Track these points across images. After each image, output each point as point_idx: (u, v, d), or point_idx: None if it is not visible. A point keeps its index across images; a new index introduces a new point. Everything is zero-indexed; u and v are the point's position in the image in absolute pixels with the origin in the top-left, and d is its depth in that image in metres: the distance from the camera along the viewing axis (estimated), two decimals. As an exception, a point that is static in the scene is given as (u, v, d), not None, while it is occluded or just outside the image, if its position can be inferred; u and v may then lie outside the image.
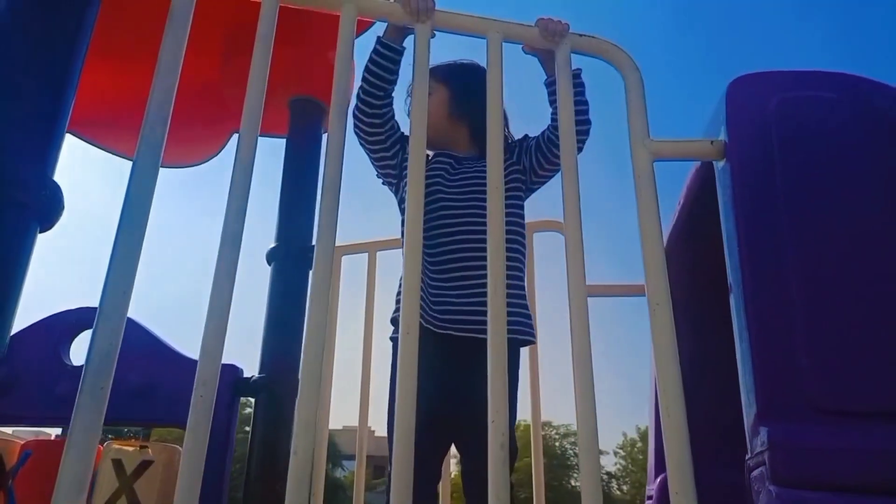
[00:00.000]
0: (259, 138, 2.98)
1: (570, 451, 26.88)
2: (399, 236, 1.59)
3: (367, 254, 2.52)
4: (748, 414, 1.06)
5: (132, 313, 2.25)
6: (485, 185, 1.16)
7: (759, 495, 1.01)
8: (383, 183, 1.66)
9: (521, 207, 1.62)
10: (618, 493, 27.20)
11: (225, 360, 2.22)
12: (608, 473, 27.60)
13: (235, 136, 3.12)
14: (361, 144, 1.58)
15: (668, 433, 1.01)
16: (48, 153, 1.00)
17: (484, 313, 1.07)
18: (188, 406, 2.42)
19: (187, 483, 0.92)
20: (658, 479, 1.76)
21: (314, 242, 1.13)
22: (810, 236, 1.11)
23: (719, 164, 1.24)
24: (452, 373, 1.40)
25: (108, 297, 0.95)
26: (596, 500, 0.98)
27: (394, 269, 2.40)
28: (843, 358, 1.03)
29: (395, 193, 1.63)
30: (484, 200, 1.15)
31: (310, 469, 0.97)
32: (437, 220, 1.51)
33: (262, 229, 2.55)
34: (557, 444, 26.44)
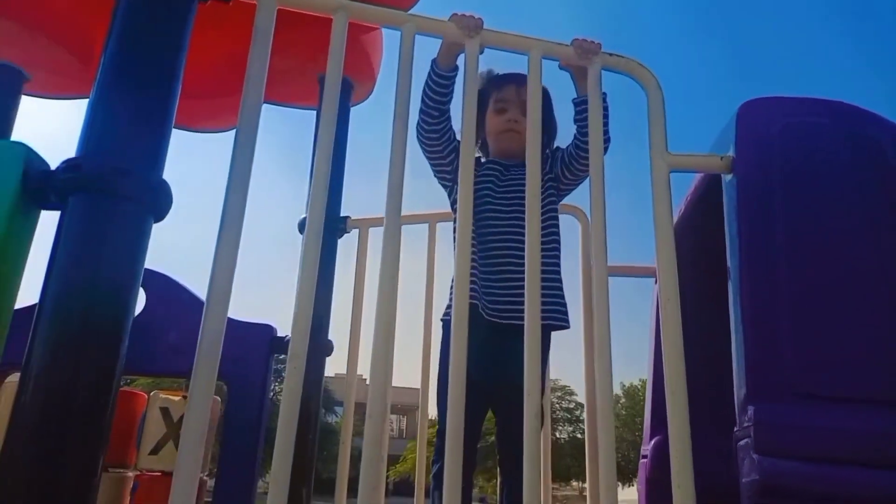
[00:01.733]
0: (293, 109, 3.10)
1: (557, 406, 27.64)
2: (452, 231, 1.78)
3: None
4: (738, 393, 1.27)
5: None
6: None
7: (743, 461, 1.22)
8: (440, 183, 1.84)
9: (556, 211, 1.81)
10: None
11: (261, 320, 2.42)
12: (593, 428, 28.38)
13: (265, 105, 3.26)
14: (422, 150, 1.76)
15: (672, 414, 1.21)
16: (159, 151, 1.17)
17: (522, 303, 1.27)
18: (223, 361, 2.61)
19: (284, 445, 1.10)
20: (653, 441, 1.98)
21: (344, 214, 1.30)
22: (801, 245, 1.30)
23: (727, 177, 1.42)
24: (495, 352, 1.61)
25: (217, 274, 1.13)
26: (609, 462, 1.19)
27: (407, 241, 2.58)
28: (820, 351, 1.23)
29: (449, 195, 1.82)
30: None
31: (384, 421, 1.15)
32: (486, 222, 1.71)
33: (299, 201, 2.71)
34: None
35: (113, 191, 1.07)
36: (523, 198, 1.35)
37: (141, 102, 1.17)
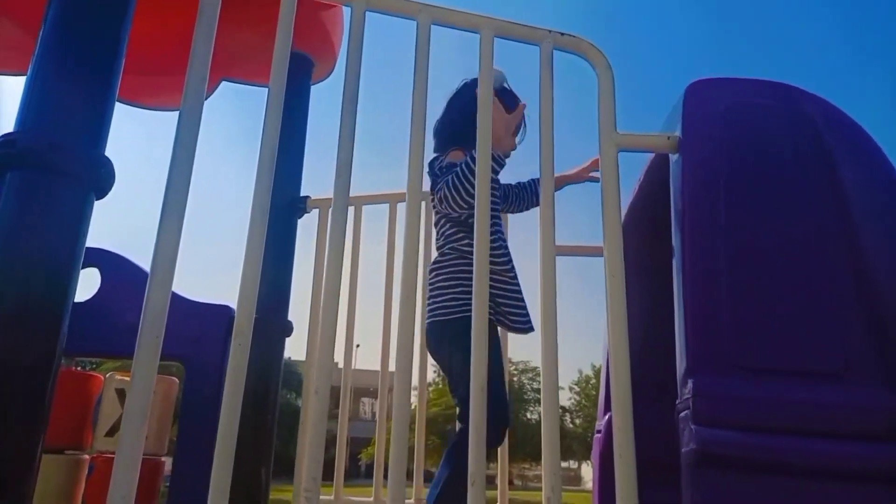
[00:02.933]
0: (251, 87, 3.04)
1: (528, 387, 27.96)
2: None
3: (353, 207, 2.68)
4: (680, 367, 1.31)
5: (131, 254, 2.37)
6: None
7: (684, 432, 1.26)
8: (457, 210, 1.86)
9: None
10: (570, 426, 28.55)
11: (220, 301, 2.39)
12: (563, 408, 28.86)
13: (224, 83, 3.21)
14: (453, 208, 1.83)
15: (615, 384, 1.25)
16: (100, 126, 1.15)
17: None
18: (179, 341, 2.58)
19: (228, 422, 1.10)
20: (606, 417, 2.03)
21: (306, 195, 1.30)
22: (741, 223, 1.33)
23: (674, 157, 1.45)
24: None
25: (161, 249, 1.12)
26: (553, 435, 1.22)
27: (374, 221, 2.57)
28: (757, 325, 1.27)
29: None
30: None
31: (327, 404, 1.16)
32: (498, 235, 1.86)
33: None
34: (516, 378, 27.48)
35: (49, 166, 1.05)
36: None
37: (80, 77, 1.15)
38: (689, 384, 1.25)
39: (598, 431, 2.10)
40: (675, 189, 1.42)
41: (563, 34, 1.48)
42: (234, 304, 2.57)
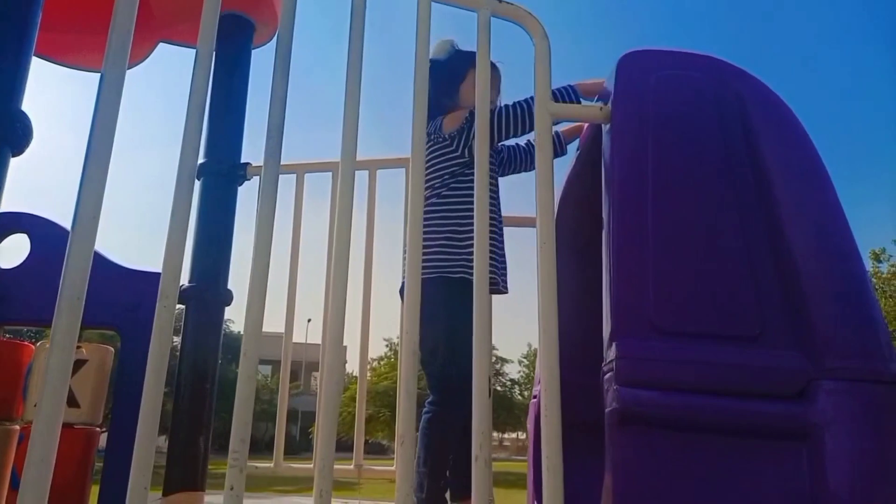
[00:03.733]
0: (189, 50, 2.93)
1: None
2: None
3: (295, 175, 2.64)
4: (606, 331, 1.35)
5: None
6: None
7: (608, 393, 1.31)
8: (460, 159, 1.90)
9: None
10: (520, 397, 29.11)
11: (157, 269, 2.35)
12: (513, 381, 29.37)
13: (161, 45, 3.10)
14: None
15: (542, 349, 1.28)
16: (16, 84, 1.10)
17: None
18: (114, 309, 2.54)
19: (153, 385, 1.09)
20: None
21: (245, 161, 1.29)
22: (667, 193, 1.38)
23: (606, 127, 1.48)
24: None
25: (82, 207, 1.08)
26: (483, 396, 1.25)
27: (320, 190, 2.54)
28: (678, 291, 1.32)
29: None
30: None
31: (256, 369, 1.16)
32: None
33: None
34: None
35: (-42, 119, 1.01)
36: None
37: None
38: (614, 347, 1.30)
39: (535, 396, 2.15)
40: (606, 159, 1.45)
41: (501, 1, 1.48)
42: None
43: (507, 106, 1.81)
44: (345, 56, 1.38)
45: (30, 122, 1.09)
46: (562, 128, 2.16)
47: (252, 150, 2.65)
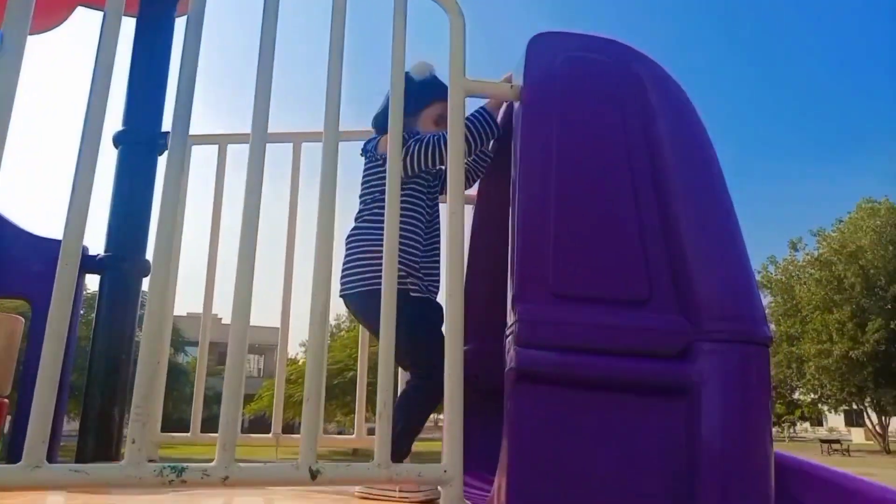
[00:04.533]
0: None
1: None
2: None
3: (217, 146, 2.61)
4: (510, 296, 1.43)
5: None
6: None
7: (509, 354, 1.39)
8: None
9: None
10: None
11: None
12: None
13: (80, 8, 3.00)
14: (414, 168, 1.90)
15: (448, 313, 1.34)
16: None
17: None
18: (25, 277, 2.48)
19: (52, 350, 1.09)
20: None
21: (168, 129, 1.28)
22: (569, 166, 1.46)
23: (516, 104, 1.55)
24: None
25: None
26: (388, 357, 1.30)
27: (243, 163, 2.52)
28: (575, 260, 1.41)
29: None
30: None
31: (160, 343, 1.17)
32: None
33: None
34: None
35: None
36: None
37: None
38: (515, 311, 1.38)
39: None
40: (516, 134, 1.52)
41: (416, -22, 1.52)
42: (87, 243, 2.46)
43: (421, 138, 1.85)
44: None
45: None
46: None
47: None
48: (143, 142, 2.50)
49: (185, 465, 1.06)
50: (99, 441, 2.15)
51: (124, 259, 2.33)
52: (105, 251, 2.35)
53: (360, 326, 2.38)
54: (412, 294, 1.85)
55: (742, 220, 1.48)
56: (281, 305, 2.45)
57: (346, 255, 1.95)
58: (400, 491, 1.52)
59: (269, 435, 2.34)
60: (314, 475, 1.12)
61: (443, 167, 1.90)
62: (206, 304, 2.47)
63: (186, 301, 2.89)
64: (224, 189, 2.60)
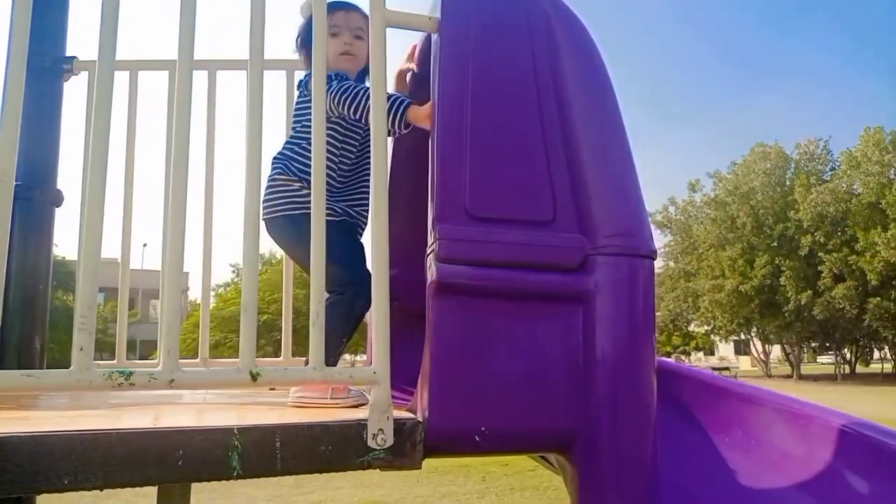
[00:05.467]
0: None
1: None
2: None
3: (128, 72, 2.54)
4: (430, 218, 1.55)
5: None
6: None
7: (430, 268, 1.53)
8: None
9: None
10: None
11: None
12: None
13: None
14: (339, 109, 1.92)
15: (373, 240, 1.44)
16: None
17: None
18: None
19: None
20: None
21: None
22: (483, 96, 1.58)
23: (434, 37, 1.64)
24: None
25: None
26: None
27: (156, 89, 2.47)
28: (488, 185, 1.55)
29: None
30: None
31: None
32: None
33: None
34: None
35: None
36: None
37: None
38: (436, 231, 1.51)
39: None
40: (434, 67, 1.62)
41: None
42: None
43: (344, 85, 1.90)
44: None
45: None
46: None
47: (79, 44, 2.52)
48: (47, 67, 2.41)
49: (132, 369, 1.15)
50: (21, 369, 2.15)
51: (35, 188, 2.28)
52: (16, 180, 2.28)
53: (284, 259, 2.46)
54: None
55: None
56: (202, 243, 2.47)
57: (267, 182, 2.02)
58: (332, 398, 1.66)
59: (198, 360, 2.41)
60: (254, 377, 1.23)
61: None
62: (125, 242, 2.47)
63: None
64: (133, 120, 2.55)
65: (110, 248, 2.47)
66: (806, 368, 43.53)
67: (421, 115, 1.73)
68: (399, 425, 1.38)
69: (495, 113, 1.59)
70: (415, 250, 1.93)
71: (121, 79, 2.53)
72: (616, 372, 1.52)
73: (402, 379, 1.87)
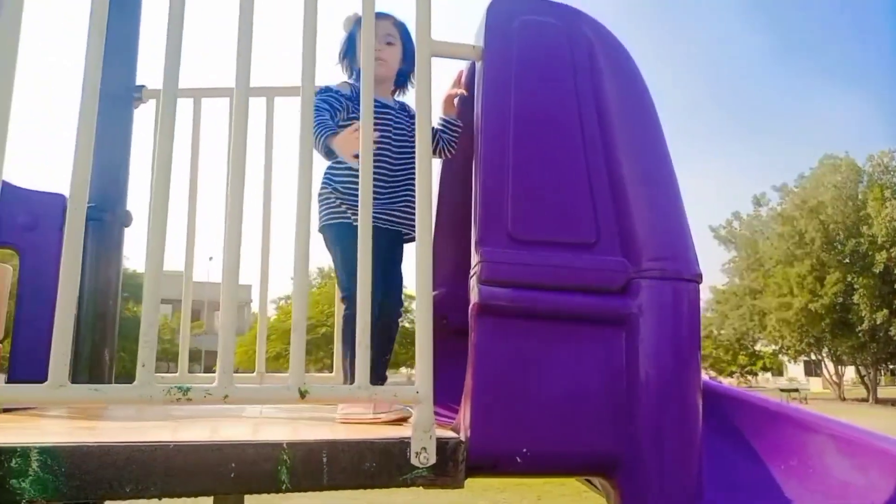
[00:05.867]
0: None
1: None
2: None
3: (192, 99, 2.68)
4: (473, 240, 1.59)
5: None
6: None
7: (473, 290, 1.56)
8: None
9: None
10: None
11: (54, 191, 2.40)
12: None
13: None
14: None
15: (418, 258, 1.49)
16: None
17: None
18: (12, 229, 2.56)
19: (68, 284, 1.22)
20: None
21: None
22: (525, 121, 1.62)
23: (478, 64, 1.68)
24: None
25: None
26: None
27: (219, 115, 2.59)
28: (530, 208, 1.58)
29: None
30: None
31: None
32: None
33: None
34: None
35: None
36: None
37: None
38: (478, 253, 1.54)
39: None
40: (478, 92, 1.67)
41: (385, -57, 1.62)
42: (66, 192, 2.55)
43: (316, 118, 1.96)
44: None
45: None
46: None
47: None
48: (119, 95, 2.58)
49: (189, 385, 1.22)
50: (91, 381, 2.29)
51: (106, 210, 2.44)
52: (89, 202, 2.44)
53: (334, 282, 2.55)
54: (353, 224, 2.03)
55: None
56: (260, 257, 2.58)
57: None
58: (374, 413, 1.71)
59: (254, 374, 2.51)
60: (303, 394, 1.29)
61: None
62: (188, 257, 2.59)
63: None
64: (197, 143, 2.69)
65: (177, 262, 2.61)
66: (884, 392, 41.23)
67: (337, 142, 1.86)
68: (442, 444, 1.41)
69: (537, 136, 1.62)
70: (464, 268, 1.97)
71: (185, 105, 2.68)
72: (660, 396, 1.51)
73: (450, 396, 1.90)
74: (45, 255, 2.30)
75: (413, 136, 2.09)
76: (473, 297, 1.54)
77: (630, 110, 1.66)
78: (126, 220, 2.50)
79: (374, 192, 2.00)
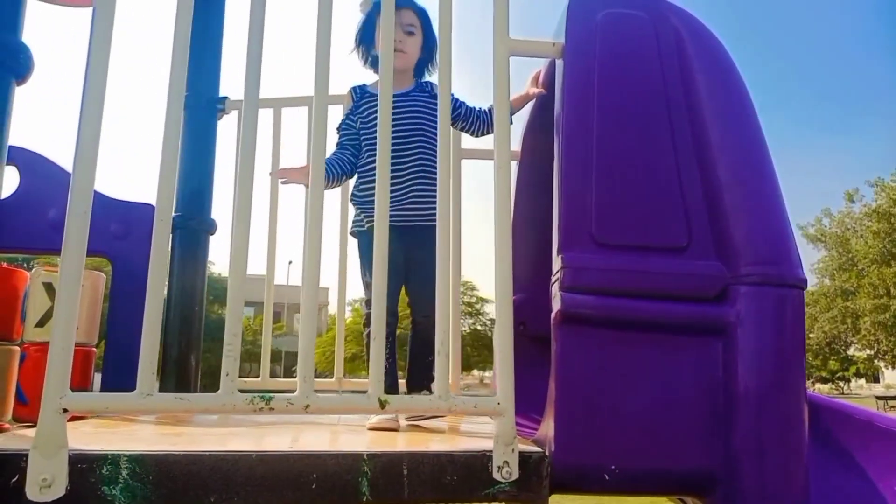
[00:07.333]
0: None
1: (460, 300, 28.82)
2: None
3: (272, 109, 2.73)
4: (555, 246, 1.52)
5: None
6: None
7: (555, 298, 1.50)
8: None
9: None
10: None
11: (143, 201, 2.48)
12: (492, 320, 30.06)
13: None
14: None
15: (497, 265, 1.43)
16: (16, 17, 1.21)
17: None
18: (104, 238, 2.67)
19: (155, 294, 1.23)
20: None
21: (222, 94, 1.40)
22: (610, 121, 1.53)
23: (559, 62, 1.62)
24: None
25: (83, 145, 1.21)
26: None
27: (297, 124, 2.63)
28: (617, 210, 1.49)
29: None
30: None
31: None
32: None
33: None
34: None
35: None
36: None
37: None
38: (560, 259, 1.48)
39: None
40: (558, 91, 1.60)
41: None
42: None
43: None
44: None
45: (31, 52, 1.21)
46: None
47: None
48: (202, 106, 2.65)
49: (271, 394, 1.22)
50: (179, 384, 2.37)
51: (192, 217, 2.51)
52: (175, 211, 2.53)
53: None
54: (367, 229, 2.05)
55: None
56: (338, 264, 2.59)
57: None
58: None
59: (333, 379, 2.52)
60: (383, 404, 1.26)
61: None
62: (269, 261, 2.64)
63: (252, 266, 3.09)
64: (277, 152, 2.74)
65: (259, 266, 2.67)
66: None
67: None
68: (524, 458, 1.35)
69: (623, 136, 1.53)
70: (543, 273, 1.90)
71: (265, 115, 2.73)
72: (762, 411, 1.40)
73: (527, 405, 1.84)
74: (135, 264, 2.39)
75: (426, 116, 2.06)
76: (556, 304, 1.47)
77: (723, 105, 1.55)
78: (211, 228, 2.57)
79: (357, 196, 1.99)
